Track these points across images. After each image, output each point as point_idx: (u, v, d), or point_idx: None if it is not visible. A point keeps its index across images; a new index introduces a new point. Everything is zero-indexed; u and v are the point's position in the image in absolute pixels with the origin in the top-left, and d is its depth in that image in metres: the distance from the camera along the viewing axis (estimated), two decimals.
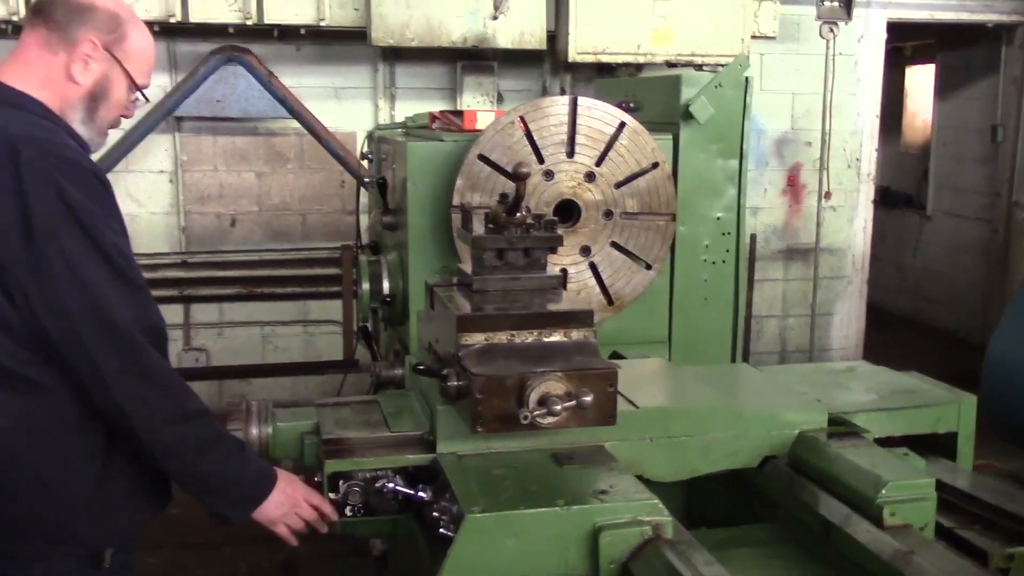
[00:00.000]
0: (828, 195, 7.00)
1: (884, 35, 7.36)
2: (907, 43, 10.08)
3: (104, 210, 2.10)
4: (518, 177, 2.33)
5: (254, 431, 2.57)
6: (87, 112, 2.23)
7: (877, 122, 7.51)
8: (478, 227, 2.45)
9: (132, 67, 2.27)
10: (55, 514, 2.15)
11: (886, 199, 10.20)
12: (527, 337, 2.26)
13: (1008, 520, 2.45)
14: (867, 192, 7.56)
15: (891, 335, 8.80)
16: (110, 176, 6.23)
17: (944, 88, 9.47)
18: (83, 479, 2.16)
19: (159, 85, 6.24)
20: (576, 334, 2.28)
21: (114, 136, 6.07)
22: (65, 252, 2.01)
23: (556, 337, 2.27)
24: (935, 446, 2.90)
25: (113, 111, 2.28)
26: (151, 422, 2.10)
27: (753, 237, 7.05)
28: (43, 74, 2.18)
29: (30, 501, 2.12)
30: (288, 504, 2.31)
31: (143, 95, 2.34)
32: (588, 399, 2.12)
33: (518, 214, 2.40)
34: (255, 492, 2.28)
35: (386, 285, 3.57)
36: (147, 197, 6.43)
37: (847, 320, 7.69)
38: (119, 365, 2.05)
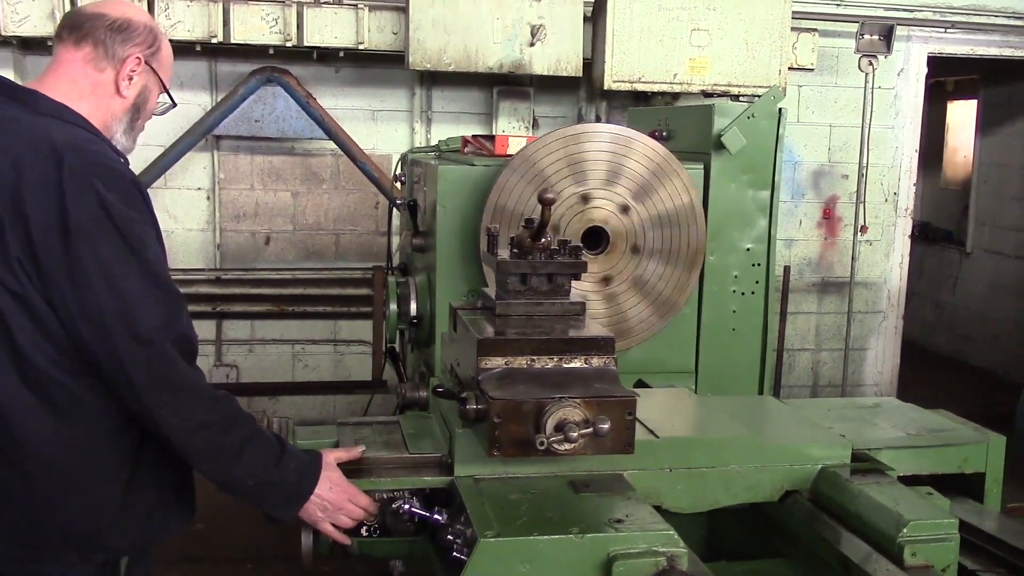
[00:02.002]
0: (864, 229, 6.93)
1: (924, 69, 7.30)
2: (949, 78, 10.00)
3: (143, 218, 2.15)
4: (544, 203, 2.34)
5: None
6: (130, 122, 2.34)
7: (916, 156, 7.44)
8: (503, 252, 2.46)
9: (164, 74, 2.39)
10: (81, 522, 2.17)
11: (925, 235, 10.09)
12: (547, 362, 2.25)
13: None
14: (904, 227, 7.48)
15: (928, 373, 8.68)
16: (149, 192, 6.33)
17: (986, 124, 9.37)
18: (111, 488, 2.18)
19: (199, 104, 6.35)
20: (596, 361, 2.28)
21: (153, 152, 6.17)
22: (101, 258, 2.04)
23: (576, 363, 2.27)
24: (963, 487, 2.85)
25: (148, 118, 2.41)
26: (182, 430, 2.12)
27: (787, 269, 7.00)
28: (87, 90, 2.26)
29: (58, 509, 2.14)
30: (334, 504, 2.30)
31: (171, 98, 2.44)
32: (605, 426, 2.11)
33: (543, 239, 2.40)
34: (296, 491, 2.28)
35: (413, 307, 3.59)
36: (184, 213, 6.52)
37: (881, 356, 7.59)
38: (148, 374, 2.07)
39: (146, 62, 2.31)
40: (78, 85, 2.25)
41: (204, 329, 6.63)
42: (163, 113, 2.48)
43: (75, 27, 2.28)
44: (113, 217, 2.05)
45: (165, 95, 2.41)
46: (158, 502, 2.29)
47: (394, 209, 4.86)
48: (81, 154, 2.09)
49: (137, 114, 2.34)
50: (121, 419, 2.15)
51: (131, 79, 2.29)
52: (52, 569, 2.19)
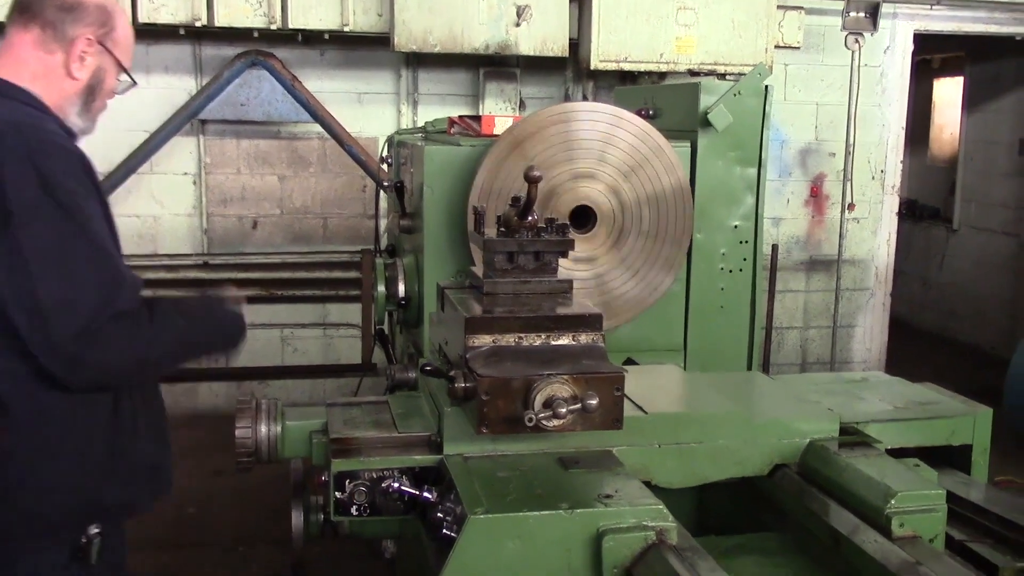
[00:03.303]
0: (851, 207, 6.95)
1: (910, 46, 7.31)
2: (935, 55, 10.01)
3: (87, 192, 2.13)
4: (530, 181, 2.33)
5: (263, 429, 2.58)
6: (84, 104, 2.30)
7: (903, 134, 7.46)
8: (490, 231, 2.46)
9: (121, 54, 2.35)
10: (52, 497, 2.19)
11: (912, 212, 10.12)
12: (535, 340, 2.25)
13: (1020, 534, 2.42)
14: (891, 204, 7.50)
15: (915, 349, 8.72)
16: (134, 177, 6.31)
17: (972, 101, 9.39)
18: (83, 460, 2.21)
19: (184, 88, 6.31)
20: (584, 338, 2.28)
21: (139, 137, 6.14)
22: (40, 243, 2.02)
23: (564, 340, 2.27)
24: (951, 459, 2.87)
25: (105, 99, 2.37)
26: (138, 375, 2.26)
27: (775, 247, 7.01)
28: (38, 72, 2.24)
29: (26, 484, 2.16)
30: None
31: (131, 77, 2.41)
32: (593, 402, 2.11)
33: (529, 217, 2.40)
34: (237, 324, 2.50)
35: (401, 288, 3.58)
36: (170, 198, 6.49)
37: (869, 333, 7.63)
38: (85, 366, 2.07)
39: (99, 42, 2.28)
40: (29, 67, 2.24)
41: None
42: (123, 92, 2.43)
43: (24, 8, 2.26)
44: (56, 195, 2.03)
45: (125, 75, 2.38)
46: (131, 474, 2.33)
47: (381, 191, 4.85)
48: (22, 133, 2.07)
49: (92, 95, 2.31)
50: (79, 396, 2.17)
51: (83, 60, 2.27)
52: (24, 556, 2.19)
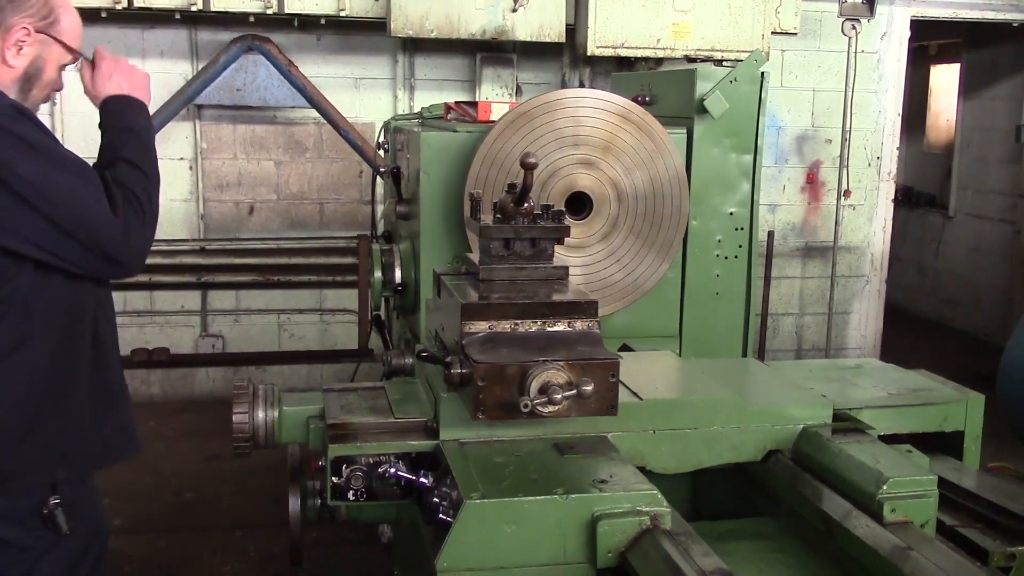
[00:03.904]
0: (847, 193, 6.96)
1: (907, 32, 7.30)
2: (932, 42, 10.00)
3: (49, 137, 2.23)
4: (526, 167, 2.34)
5: (260, 415, 2.60)
6: (21, 92, 2.33)
7: (899, 120, 7.46)
8: (487, 217, 2.46)
9: (68, 39, 2.40)
10: (18, 448, 2.25)
11: (908, 199, 10.14)
12: (531, 326, 2.27)
13: (1011, 520, 2.44)
14: (887, 191, 7.52)
15: (911, 336, 8.75)
16: None
17: (969, 88, 9.39)
18: (28, 411, 2.27)
19: (180, 73, 6.30)
20: (580, 324, 2.29)
21: None
22: (27, 179, 2.10)
23: (560, 327, 2.28)
24: (943, 445, 2.88)
25: (45, 89, 2.40)
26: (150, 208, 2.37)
27: (771, 234, 7.03)
28: None
29: None
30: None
31: (81, 55, 2.47)
32: (589, 388, 2.12)
33: (526, 204, 2.41)
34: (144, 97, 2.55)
35: (398, 274, 3.59)
36: (166, 184, 6.37)
37: (865, 319, 7.65)
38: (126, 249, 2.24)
39: (39, 31, 2.31)
40: None
41: (189, 300, 6.63)
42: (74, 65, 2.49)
43: None
44: (23, 139, 2.13)
45: (72, 55, 2.43)
46: (98, 432, 2.39)
47: (378, 177, 4.86)
48: None
49: (30, 83, 2.34)
50: (53, 349, 2.26)
51: (20, 49, 2.30)
52: None
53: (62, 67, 2.43)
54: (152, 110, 6.07)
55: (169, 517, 4.94)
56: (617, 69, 6.49)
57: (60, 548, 2.35)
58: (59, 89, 2.47)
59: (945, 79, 10.27)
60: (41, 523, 2.31)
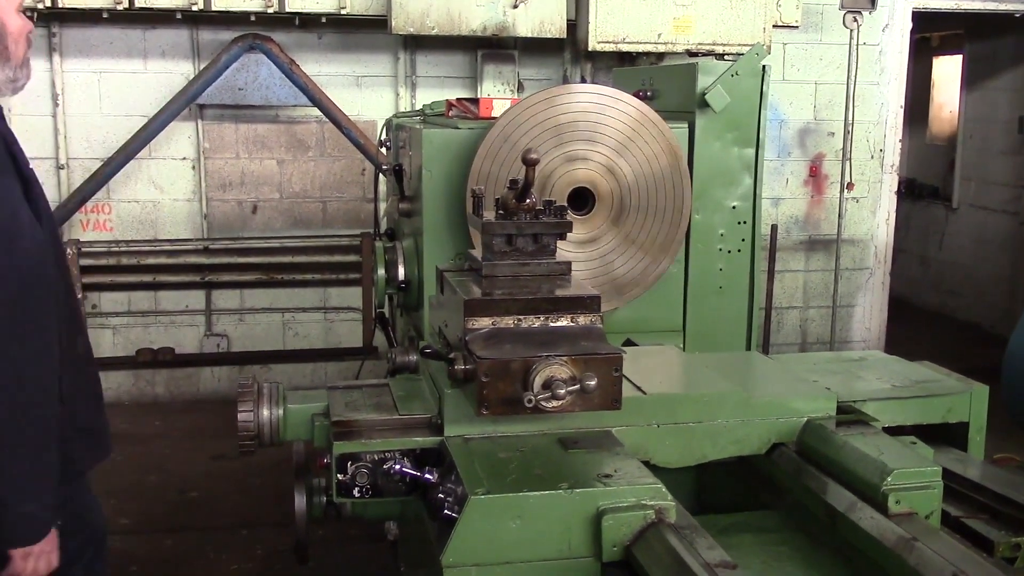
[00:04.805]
0: (850, 186, 6.95)
1: (909, 24, 7.28)
2: (934, 33, 9.98)
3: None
4: (528, 163, 2.34)
5: (265, 412, 2.60)
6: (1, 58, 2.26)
7: (901, 113, 7.44)
8: (489, 213, 2.47)
9: None
10: None
11: (912, 191, 10.11)
12: (534, 322, 2.27)
13: (1016, 510, 2.44)
14: (890, 183, 7.50)
15: (914, 328, 8.74)
16: (133, 163, 6.31)
17: (971, 79, 9.37)
18: None
19: (181, 73, 6.31)
20: (583, 319, 2.30)
21: (137, 123, 6.14)
22: None
23: (563, 322, 2.28)
24: (948, 436, 2.89)
25: (21, 41, 2.31)
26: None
27: (774, 228, 7.02)
28: None
29: None
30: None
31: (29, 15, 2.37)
32: (592, 383, 2.13)
33: (527, 200, 2.41)
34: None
35: (401, 271, 3.60)
36: (169, 184, 6.49)
37: (869, 312, 7.64)
38: None
39: None
40: None
41: (193, 299, 6.64)
42: None
43: None
44: None
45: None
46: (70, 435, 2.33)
47: (380, 175, 4.86)
48: None
49: (2, 42, 2.24)
50: None
51: None
52: None
53: (21, 10, 2.33)
54: (154, 110, 6.14)
55: (174, 516, 4.95)
56: (618, 64, 6.48)
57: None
58: (31, 31, 2.37)
59: (947, 71, 10.24)
60: None
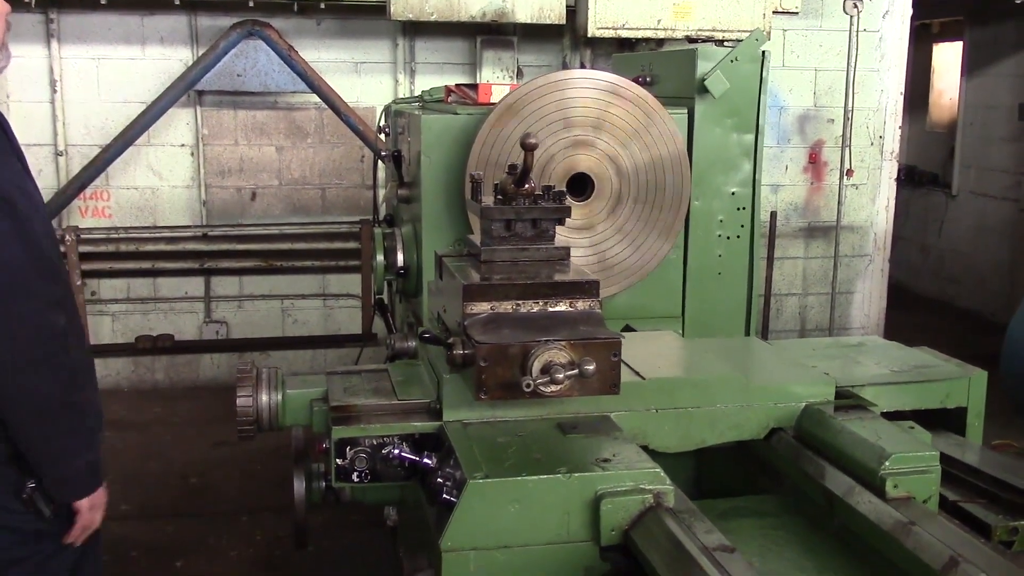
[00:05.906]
0: (850, 173, 6.94)
1: (909, 10, 7.26)
2: (935, 20, 9.95)
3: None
4: (526, 148, 2.34)
5: (264, 398, 2.60)
6: None
7: (901, 99, 7.43)
8: (487, 199, 2.46)
9: None
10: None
11: (911, 178, 10.10)
12: (532, 307, 2.27)
13: (1013, 494, 2.45)
14: (890, 170, 7.49)
15: (914, 315, 8.74)
16: (132, 149, 6.29)
17: (972, 66, 9.35)
18: None
19: (180, 59, 6.29)
20: (581, 304, 2.29)
21: (135, 109, 6.13)
22: None
23: (561, 307, 2.28)
24: (946, 422, 2.89)
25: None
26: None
27: (773, 215, 7.02)
28: None
29: None
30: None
31: None
32: (591, 368, 2.13)
33: (526, 185, 2.41)
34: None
35: (400, 258, 3.60)
36: (168, 170, 6.48)
37: (868, 299, 7.64)
38: None
39: None
40: None
41: (193, 286, 6.65)
42: None
43: None
44: None
45: None
46: None
47: (379, 161, 4.85)
48: None
49: None
50: None
51: None
52: None
53: None
54: (152, 97, 6.13)
55: (175, 502, 4.97)
56: (618, 50, 6.47)
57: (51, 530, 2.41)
58: (8, 12, 2.37)
59: (948, 57, 10.22)
60: (23, 507, 2.36)
